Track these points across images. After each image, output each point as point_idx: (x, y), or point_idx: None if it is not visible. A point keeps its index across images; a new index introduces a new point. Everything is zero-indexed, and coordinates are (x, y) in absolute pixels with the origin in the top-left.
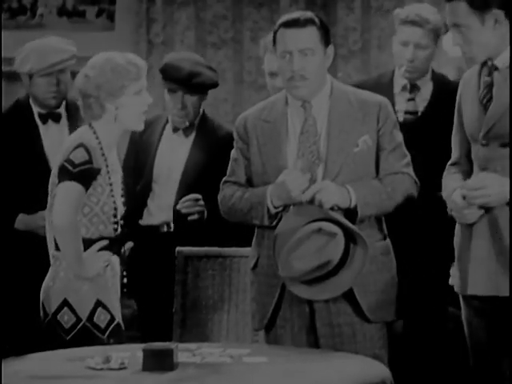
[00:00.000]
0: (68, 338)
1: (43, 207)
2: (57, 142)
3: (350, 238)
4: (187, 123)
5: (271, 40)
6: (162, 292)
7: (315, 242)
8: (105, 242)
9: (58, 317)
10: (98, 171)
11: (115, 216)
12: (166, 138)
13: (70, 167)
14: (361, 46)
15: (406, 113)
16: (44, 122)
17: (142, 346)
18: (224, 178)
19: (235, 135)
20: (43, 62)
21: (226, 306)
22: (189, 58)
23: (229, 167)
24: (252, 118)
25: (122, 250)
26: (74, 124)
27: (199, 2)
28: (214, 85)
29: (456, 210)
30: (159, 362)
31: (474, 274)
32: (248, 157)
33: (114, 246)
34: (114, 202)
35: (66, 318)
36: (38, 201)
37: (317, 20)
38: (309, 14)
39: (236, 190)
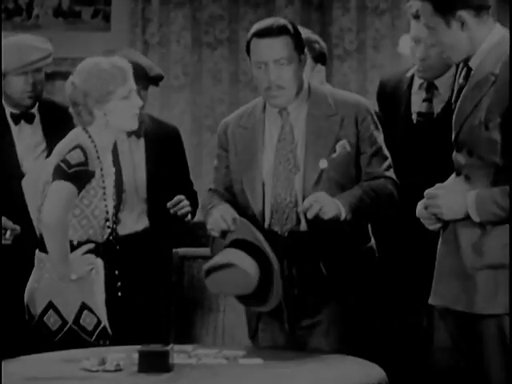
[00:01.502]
0: (55, 340)
1: (9, 211)
2: (30, 144)
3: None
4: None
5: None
6: (152, 294)
7: (227, 275)
8: (91, 245)
9: (45, 319)
10: (92, 174)
11: (107, 220)
12: (122, 144)
13: (65, 167)
14: (356, 46)
15: (420, 115)
16: (16, 122)
17: (138, 347)
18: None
19: (217, 142)
20: (19, 60)
21: (221, 307)
22: (135, 54)
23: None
24: (232, 125)
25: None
26: (48, 125)
27: (195, 2)
28: (164, 76)
29: (419, 216)
30: (155, 363)
31: (435, 283)
32: (228, 164)
33: (99, 250)
34: (106, 206)
35: (52, 320)
36: (4, 204)
37: (290, 27)
38: (282, 22)
39: (211, 200)
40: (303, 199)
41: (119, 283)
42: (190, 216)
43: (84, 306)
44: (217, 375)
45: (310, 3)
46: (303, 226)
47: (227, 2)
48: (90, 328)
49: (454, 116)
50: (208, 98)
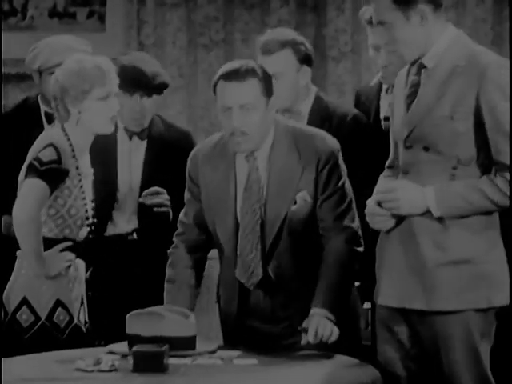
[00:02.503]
0: (26, 337)
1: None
2: None
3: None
4: (144, 125)
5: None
6: (137, 293)
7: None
8: (68, 243)
9: (17, 315)
10: (66, 172)
11: (86, 218)
12: (122, 145)
13: (37, 165)
14: (351, 48)
15: (386, 119)
16: (50, 121)
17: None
18: (180, 217)
19: (187, 175)
20: (54, 58)
21: (216, 308)
22: (143, 59)
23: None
24: (202, 161)
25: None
26: None
27: (190, 4)
28: (169, 84)
29: (368, 215)
30: (150, 363)
31: (385, 284)
32: (200, 200)
33: (79, 249)
34: (85, 205)
35: (25, 317)
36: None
37: (258, 70)
38: (250, 65)
39: (177, 260)
40: (263, 255)
41: (88, 275)
42: (163, 209)
43: (58, 303)
44: (212, 376)
45: (305, 4)
46: (270, 279)
47: (222, 4)
48: (62, 325)
49: (408, 112)
50: (203, 99)
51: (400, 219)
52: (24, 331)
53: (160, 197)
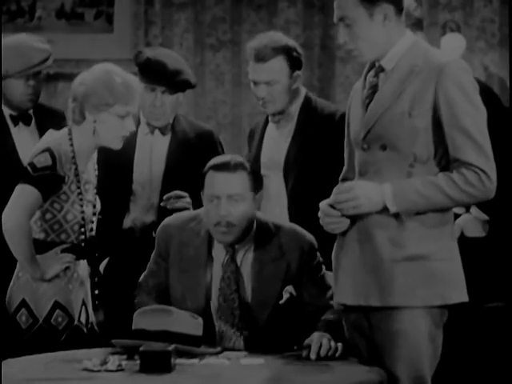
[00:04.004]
0: (25, 339)
1: None
2: (29, 146)
3: None
4: (164, 122)
5: None
6: None
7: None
8: (65, 245)
9: (17, 317)
10: (61, 178)
11: (82, 226)
12: (142, 138)
13: (30, 170)
14: None
15: None
16: (15, 124)
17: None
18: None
19: (156, 243)
20: (21, 63)
21: None
22: (169, 55)
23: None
24: (174, 237)
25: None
26: (42, 127)
27: (197, 5)
28: (195, 84)
29: (321, 217)
30: (157, 363)
31: (342, 282)
32: (165, 272)
33: (78, 251)
34: (83, 212)
35: (24, 319)
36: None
37: (247, 165)
38: (239, 159)
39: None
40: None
41: (96, 291)
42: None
43: (57, 305)
44: (219, 375)
45: (313, 5)
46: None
47: (229, 4)
48: (60, 327)
49: (365, 115)
50: (210, 99)
51: (353, 220)
52: (23, 333)
53: (182, 201)
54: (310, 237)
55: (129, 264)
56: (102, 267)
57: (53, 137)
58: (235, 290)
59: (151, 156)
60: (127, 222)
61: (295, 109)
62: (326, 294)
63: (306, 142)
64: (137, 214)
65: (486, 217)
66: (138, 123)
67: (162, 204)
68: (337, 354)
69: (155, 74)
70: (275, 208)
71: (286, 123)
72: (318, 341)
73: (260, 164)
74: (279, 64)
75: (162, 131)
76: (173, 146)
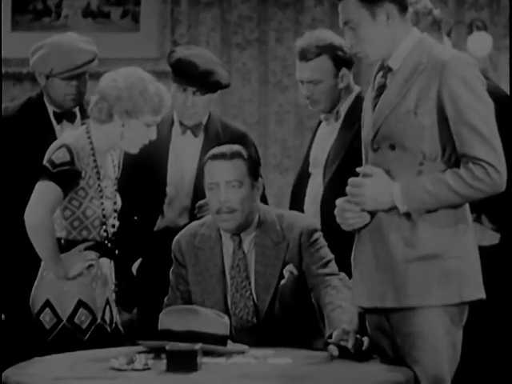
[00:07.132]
0: (49, 339)
1: None
2: None
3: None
4: (196, 121)
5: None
6: None
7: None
8: (89, 243)
9: (41, 317)
10: (78, 174)
11: (103, 222)
12: (176, 139)
13: (49, 167)
14: None
15: None
16: (59, 121)
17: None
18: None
19: (173, 259)
20: (66, 64)
21: None
22: (201, 54)
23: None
24: (186, 244)
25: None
26: None
27: (224, 3)
28: (227, 85)
29: (337, 214)
30: (183, 362)
31: (358, 284)
32: (184, 282)
33: (101, 248)
34: (103, 208)
35: (48, 319)
36: None
37: (245, 153)
38: (236, 148)
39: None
40: (258, 326)
41: (116, 288)
42: None
43: (80, 304)
44: (245, 375)
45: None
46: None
47: (256, 3)
48: (83, 326)
49: (372, 115)
50: (237, 98)
51: (372, 216)
52: (47, 333)
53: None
54: (310, 219)
55: (162, 266)
56: (134, 269)
57: (70, 134)
58: (246, 277)
59: (183, 158)
60: (161, 224)
61: (344, 108)
62: (318, 262)
63: (348, 141)
64: (171, 217)
65: (492, 226)
66: (171, 124)
67: (195, 212)
68: (364, 347)
69: (186, 75)
70: (312, 206)
71: (335, 122)
72: (354, 335)
73: (309, 162)
74: (323, 63)
75: (194, 132)
76: (205, 149)
